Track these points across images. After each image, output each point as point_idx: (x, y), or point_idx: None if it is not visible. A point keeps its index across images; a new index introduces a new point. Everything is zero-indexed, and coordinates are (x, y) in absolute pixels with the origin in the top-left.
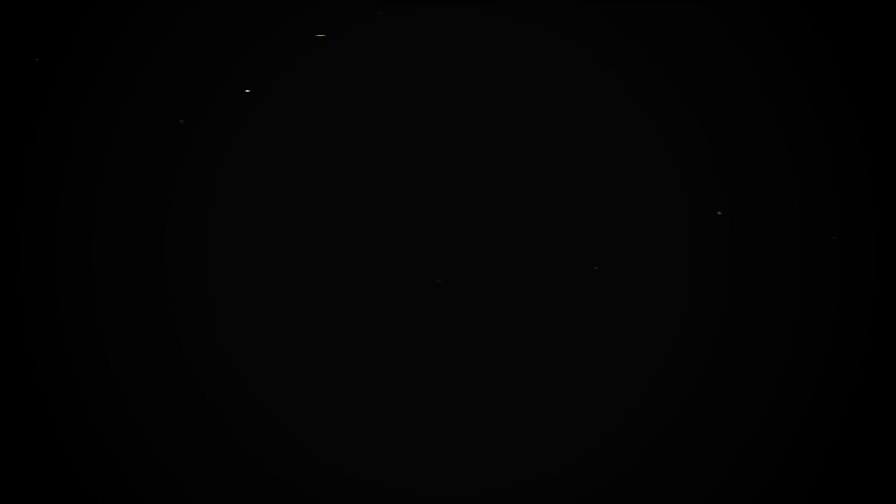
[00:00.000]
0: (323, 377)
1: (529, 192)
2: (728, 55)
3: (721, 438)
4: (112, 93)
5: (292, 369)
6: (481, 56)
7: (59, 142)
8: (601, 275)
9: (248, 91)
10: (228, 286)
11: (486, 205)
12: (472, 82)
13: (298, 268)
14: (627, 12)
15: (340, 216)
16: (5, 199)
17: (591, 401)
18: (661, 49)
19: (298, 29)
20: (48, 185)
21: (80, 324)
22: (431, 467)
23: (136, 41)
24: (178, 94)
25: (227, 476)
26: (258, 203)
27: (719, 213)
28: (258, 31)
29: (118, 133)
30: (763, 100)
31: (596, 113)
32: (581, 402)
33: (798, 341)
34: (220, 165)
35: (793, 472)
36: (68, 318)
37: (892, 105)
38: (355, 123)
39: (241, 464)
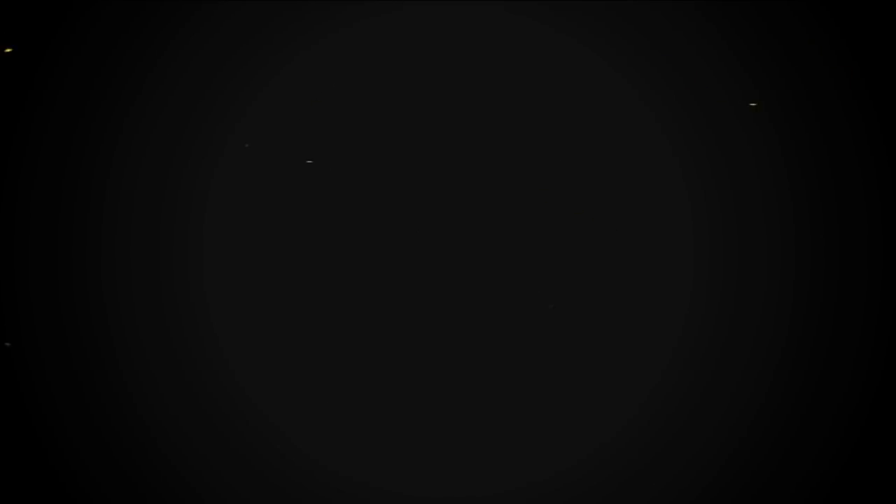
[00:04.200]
0: (323, 378)
1: (530, 194)
2: (729, 56)
3: (720, 439)
4: (113, 93)
5: (293, 370)
6: (481, 57)
7: (60, 142)
8: (601, 277)
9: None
10: (229, 288)
11: (486, 206)
12: (471, 84)
13: (299, 269)
14: (629, 13)
15: (340, 218)
16: (5, 200)
17: (590, 402)
18: (663, 50)
19: (298, 29)
20: (48, 186)
21: (80, 324)
22: (431, 467)
23: (136, 42)
24: (179, 95)
25: (228, 476)
26: (257, 204)
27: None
28: (258, 32)
29: (119, 134)
30: (762, 101)
31: (597, 114)
32: (580, 402)
33: (797, 342)
34: (220, 167)
35: (791, 472)
36: (68, 317)
37: (892, 106)
38: (353, 124)
39: (242, 464)
